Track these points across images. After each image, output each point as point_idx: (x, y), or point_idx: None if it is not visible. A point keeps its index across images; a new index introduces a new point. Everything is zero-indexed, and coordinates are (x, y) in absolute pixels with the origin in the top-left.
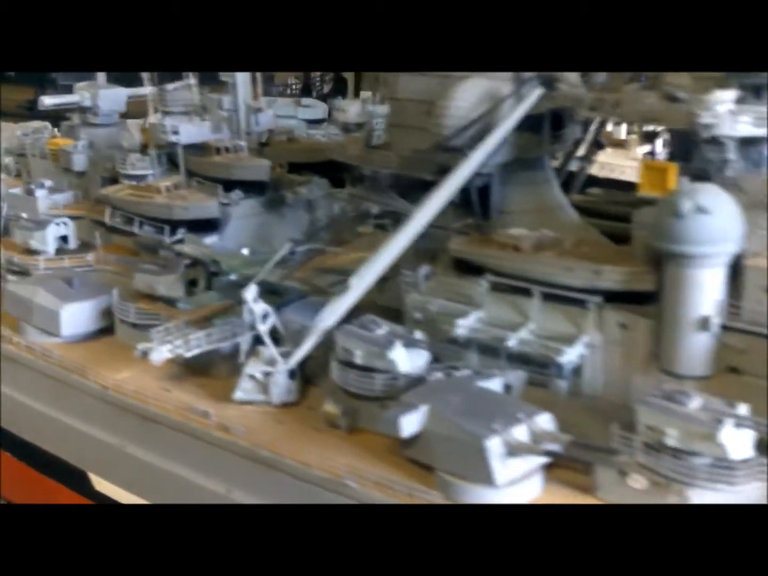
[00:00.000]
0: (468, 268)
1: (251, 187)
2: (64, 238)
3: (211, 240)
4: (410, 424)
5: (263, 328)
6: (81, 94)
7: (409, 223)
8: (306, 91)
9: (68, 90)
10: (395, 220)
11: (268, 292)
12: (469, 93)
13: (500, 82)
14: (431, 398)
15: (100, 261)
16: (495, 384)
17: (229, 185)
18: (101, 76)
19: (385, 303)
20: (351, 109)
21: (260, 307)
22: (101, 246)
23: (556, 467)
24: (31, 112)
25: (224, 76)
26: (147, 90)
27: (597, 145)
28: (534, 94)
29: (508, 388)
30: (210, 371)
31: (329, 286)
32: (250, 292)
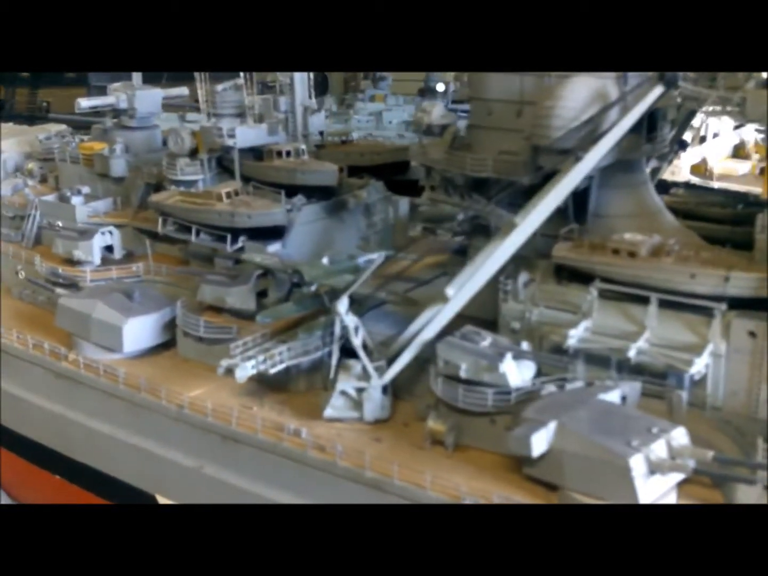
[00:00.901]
0: (571, 275)
1: (313, 192)
2: (108, 248)
3: (274, 248)
4: (540, 442)
5: (357, 342)
6: (116, 95)
7: (515, 229)
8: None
9: (102, 91)
10: (473, 225)
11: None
12: (578, 92)
13: (606, 80)
14: (556, 414)
15: (149, 271)
16: (613, 396)
17: (291, 191)
18: (137, 77)
19: (471, 313)
20: (434, 110)
21: (352, 319)
22: (151, 255)
23: (683, 481)
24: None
25: (281, 76)
26: (180, 91)
27: (681, 145)
28: (654, 93)
29: (623, 399)
30: (288, 386)
31: (405, 294)
32: (343, 304)
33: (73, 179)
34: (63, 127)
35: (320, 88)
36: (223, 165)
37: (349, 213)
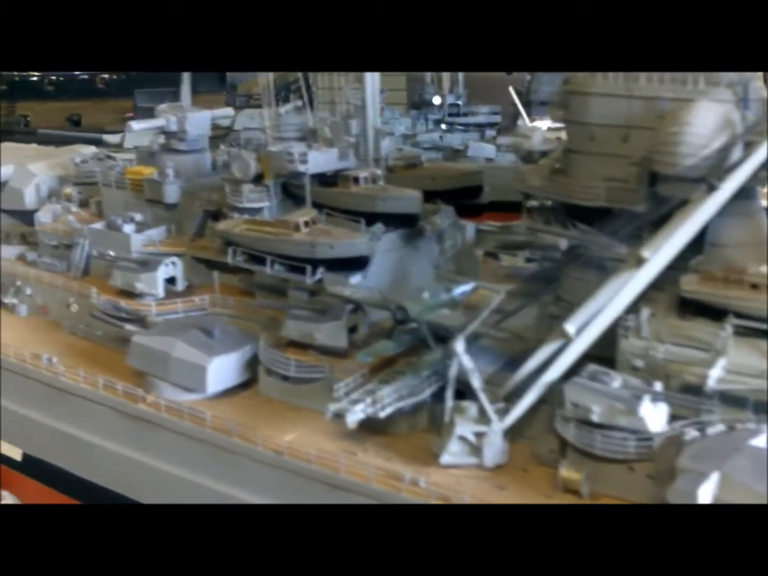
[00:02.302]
0: (698, 309)
1: (391, 220)
2: (169, 280)
3: (355, 280)
4: (706, 495)
5: (477, 384)
6: (167, 117)
7: (645, 263)
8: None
9: (149, 113)
10: (571, 254)
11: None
12: (705, 118)
13: (727, 104)
14: (715, 463)
15: (215, 304)
16: (761, 441)
17: (369, 218)
18: (186, 97)
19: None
20: (535, 135)
21: (469, 360)
22: (218, 287)
23: None
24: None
25: (353, 99)
26: (226, 112)
27: None
28: None
29: None
30: (388, 428)
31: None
32: (460, 344)
33: (118, 205)
34: (93, 149)
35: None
36: (287, 191)
37: (423, 240)
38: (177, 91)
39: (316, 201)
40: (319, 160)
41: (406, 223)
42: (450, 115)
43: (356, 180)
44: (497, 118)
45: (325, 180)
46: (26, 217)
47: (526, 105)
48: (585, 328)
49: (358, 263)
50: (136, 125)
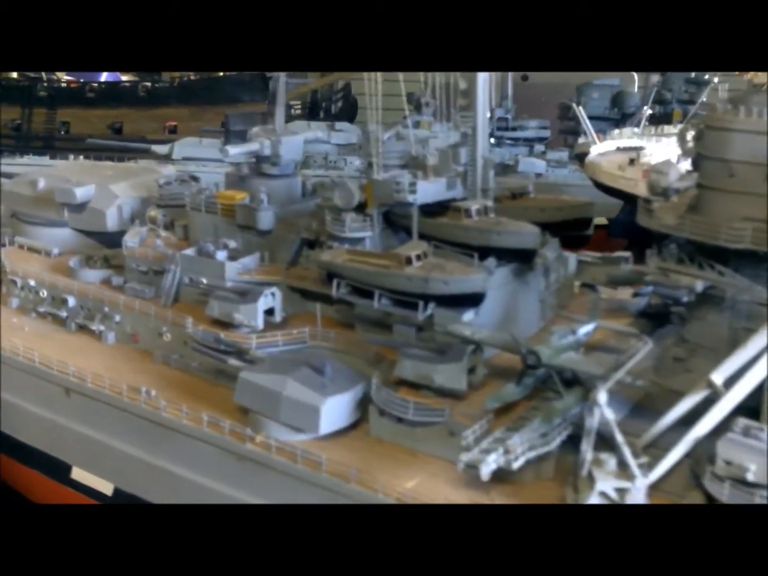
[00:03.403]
0: None
1: (503, 254)
2: (268, 311)
3: (468, 317)
4: None
5: (620, 438)
6: (260, 141)
7: None
8: (313, 112)
9: (242, 136)
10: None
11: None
12: None
13: None
14: None
15: (317, 337)
16: None
17: (482, 252)
18: (279, 119)
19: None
20: (672, 171)
21: (611, 411)
22: (320, 319)
23: None
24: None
25: (463, 126)
26: (315, 135)
27: None
28: None
29: None
30: (512, 476)
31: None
32: (603, 395)
33: (207, 230)
34: (172, 169)
35: (348, 114)
36: (387, 220)
37: (531, 274)
38: (260, 114)
39: (421, 232)
40: (428, 190)
41: (519, 258)
42: (498, 129)
43: (467, 212)
44: (546, 133)
45: (428, 210)
46: (107, 239)
47: (575, 120)
48: (735, 379)
49: (470, 299)
50: (232, 150)
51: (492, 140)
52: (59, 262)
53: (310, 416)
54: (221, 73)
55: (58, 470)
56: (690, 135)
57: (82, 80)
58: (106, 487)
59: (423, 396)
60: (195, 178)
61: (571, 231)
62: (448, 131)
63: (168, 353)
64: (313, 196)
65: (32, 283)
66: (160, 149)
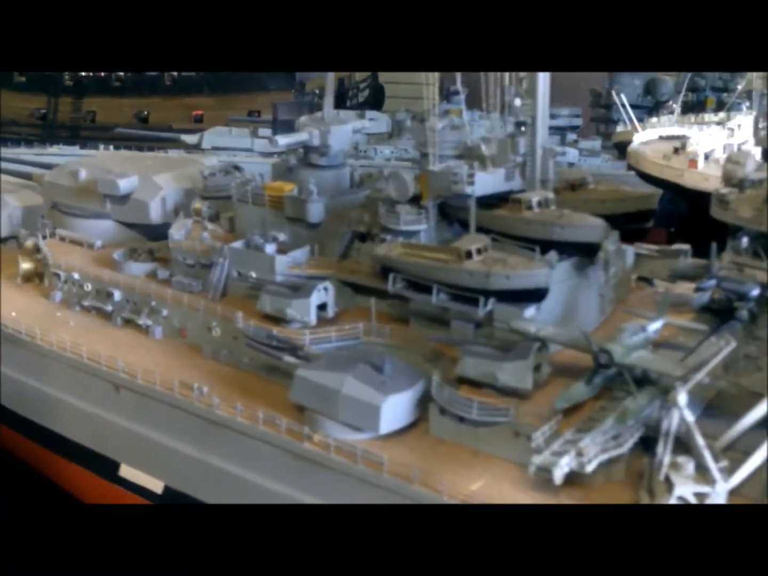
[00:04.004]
0: None
1: (565, 248)
2: (320, 306)
3: (530, 313)
4: None
5: (700, 441)
6: (309, 131)
7: None
8: (340, 100)
9: (290, 126)
10: None
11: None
12: None
13: None
14: None
15: (370, 333)
16: None
17: (544, 246)
18: (328, 108)
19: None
20: (749, 162)
21: (691, 414)
22: (374, 314)
23: None
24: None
25: (522, 115)
26: (363, 124)
27: None
28: None
29: None
30: (582, 479)
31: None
32: (683, 397)
33: (254, 222)
34: (214, 161)
35: (375, 103)
36: (442, 212)
37: (592, 268)
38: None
39: (478, 225)
40: (486, 181)
41: (583, 252)
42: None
43: (528, 204)
44: (578, 121)
45: (485, 202)
46: (149, 231)
47: (607, 108)
48: None
49: (532, 295)
50: (281, 140)
51: (523, 128)
52: (102, 254)
53: (369, 415)
54: None
55: (106, 468)
56: (763, 123)
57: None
58: (156, 485)
59: (485, 394)
60: (238, 169)
61: (632, 223)
62: (479, 120)
63: (217, 348)
64: (361, 188)
65: (76, 276)
66: (190, 139)
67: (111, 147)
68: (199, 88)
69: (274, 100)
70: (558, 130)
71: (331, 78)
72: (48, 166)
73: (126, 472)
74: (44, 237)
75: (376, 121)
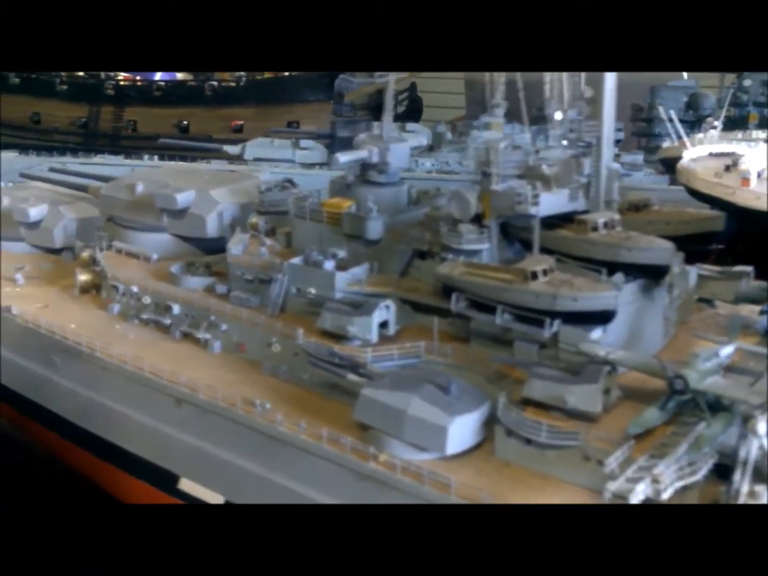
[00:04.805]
0: None
1: (631, 270)
2: (381, 324)
3: (596, 335)
4: None
5: None
6: (369, 149)
7: None
8: (377, 112)
9: (347, 142)
10: None
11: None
12: None
13: None
14: None
15: (431, 351)
16: None
17: (610, 268)
18: (387, 125)
19: None
20: None
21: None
22: (436, 333)
23: None
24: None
25: (587, 136)
26: (420, 141)
27: None
28: None
29: None
30: None
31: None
32: (763, 425)
33: (310, 239)
34: (267, 175)
35: (413, 115)
36: (503, 232)
37: (657, 290)
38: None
39: (541, 245)
40: (551, 201)
41: (650, 275)
42: (571, 131)
43: (594, 225)
44: (620, 135)
45: (546, 222)
46: (205, 245)
47: (648, 122)
48: None
49: (598, 317)
50: (342, 157)
51: (564, 143)
52: (158, 268)
53: (436, 436)
54: (287, 73)
55: (166, 481)
56: None
57: (139, 78)
58: (216, 499)
59: (551, 417)
60: (293, 183)
61: (696, 245)
62: (520, 133)
63: (277, 365)
64: (418, 205)
65: (135, 289)
66: (232, 149)
67: (155, 157)
68: (239, 98)
69: (313, 111)
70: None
71: (390, 95)
72: (100, 178)
73: (185, 485)
74: (101, 249)
75: (418, 134)
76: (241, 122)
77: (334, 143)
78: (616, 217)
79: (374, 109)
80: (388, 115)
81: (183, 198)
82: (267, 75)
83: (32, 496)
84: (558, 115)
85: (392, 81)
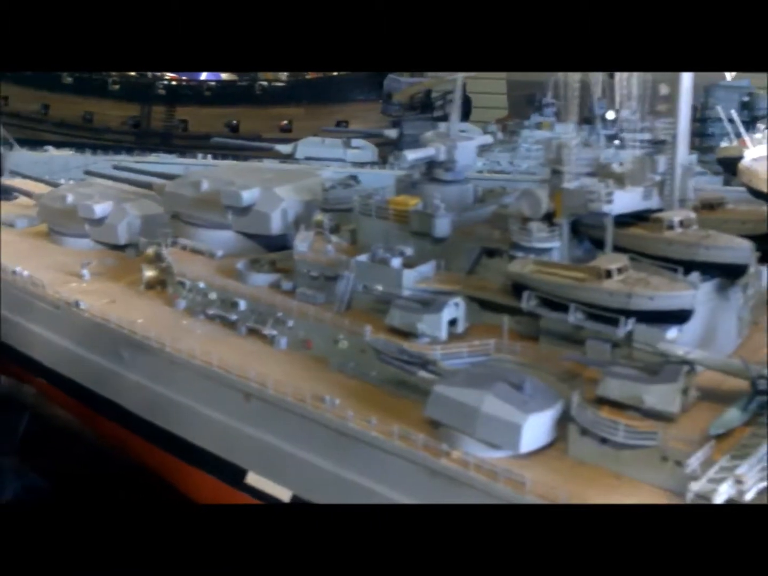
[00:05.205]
0: None
1: (707, 269)
2: (450, 321)
3: (672, 334)
4: None
5: None
6: (436, 147)
7: None
8: (425, 112)
9: (414, 140)
10: None
11: None
12: None
13: None
14: None
15: (501, 350)
16: None
17: (687, 267)
18: (454, 123)
19: None
20: None
21: None
22: (507, 332)
23: None
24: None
25: (662, 134)
26: (486, 139)
27: None
28: None
29: None
30: None
31: None
32: None
33: (376, 236)
34: (329, 173)
35: (462, 114)
36: (573, 230)
37: (732, 290)
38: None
39: (614, 244)
40: (625, 199)
41: (728, 274)
42: (623, 131)
43: (670, 224)
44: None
45: (618, 221)
46: (268, 242)
47: (702, 121)
48: None
49: (674, 316)
50: (410, 155)
51: (617, 142)
52: (222, 264)
53: (510, 433)
54: (335, 73)
55: (233, 475)
56: None
57: (185, 78)
58: (284, 494)
59: (626, 416)
60: (356, 180)
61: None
62: (573, 132)
63: (344, 361)
64: (483, 204)
65: (201, 285)
66: (284, 149)
67: (209, 156)
68: (288, 98)
69: (361, 111)
70: (653, 144)
71: (458, 95)
72: (164, 176)
73: (253, 479)
74: (166, 246)
75: (469, 133)
76: (290, 122)
77: (401, 141)
78: (692, 215)
79: (423, 108)
80: (455, 114)
81: (248, 195)
82: (311, 75)
83: (99, 489)
84: (610, 115)
85: (460, 79)
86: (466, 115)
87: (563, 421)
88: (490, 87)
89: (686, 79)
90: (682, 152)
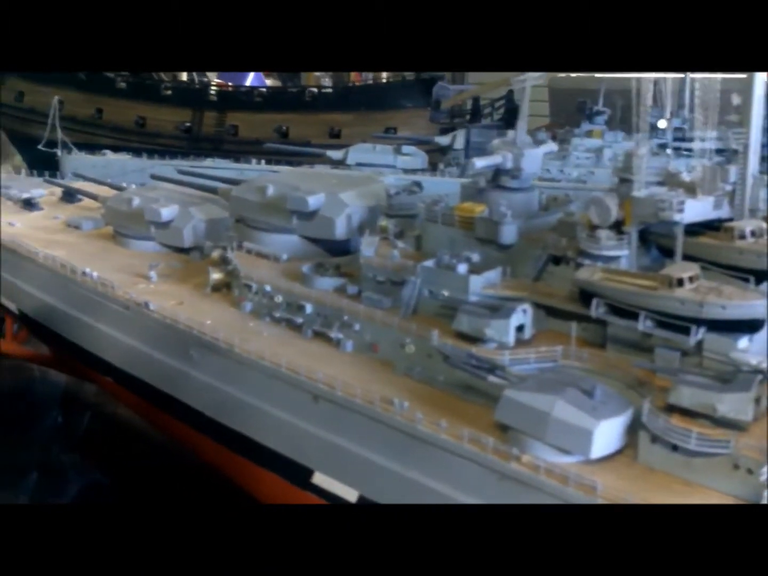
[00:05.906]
0: None
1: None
2: (517, 327)
3: (743, 344)
4: None
5: None
6: (503, 154)
7: None
8: (475, 119)
9: (481, 147)
10: None
11: None
12: None
13: None
14: None
15: (568, 356)
16: None
17: (758, 277)
18: (522, 131)
19: None
20: None
21: None
22: (574, 338)
23: None
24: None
25: (734, 143)
26: (551, 147)
27: None
28: None
29: None
30: None
31: None
32: None
33: (441, 242)
34: (391, 179)
35: (510, 121)
36: (642, 239)
37: None
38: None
39: (687, 253)
40: (696, 208)
41: None
42: (675, 139)
43: (742, 233)
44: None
45: (687, 230)
46: (332, 246)
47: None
48: None
49: (745, 325)
50: (478, 162)
51: (668, 151)
52: (287, 268)
53: (581, 439)
54: (384, 79)
55: (299, 475)
56: None
57: (230, 84)
58: (350, 494)
59: (697, 424)
60: (420, 186)
61: None
62: (622, 141)
63: (411, 365)
64: (548, 211)
65: (268, 288)
66: (335, 155)
67: (263, 161)
68: (337, 104)
69: (410, 118)
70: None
71: (526, 98)
72: (228, 181)
73: (319, 479)
74: (232, 249)
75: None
76: (339, 128)
77: (468, 148)
78: (763, 225)
79: (471, 116)
80: (522, 121)
81: (314, 200)
82: (358, 81)
83: (163, 487)
84: (662, 123)
85: (528, 86)
86: (513, 123)
87: (632, 428)
88: (532, 95)
89: (759, 86)
90: (754, 162)
